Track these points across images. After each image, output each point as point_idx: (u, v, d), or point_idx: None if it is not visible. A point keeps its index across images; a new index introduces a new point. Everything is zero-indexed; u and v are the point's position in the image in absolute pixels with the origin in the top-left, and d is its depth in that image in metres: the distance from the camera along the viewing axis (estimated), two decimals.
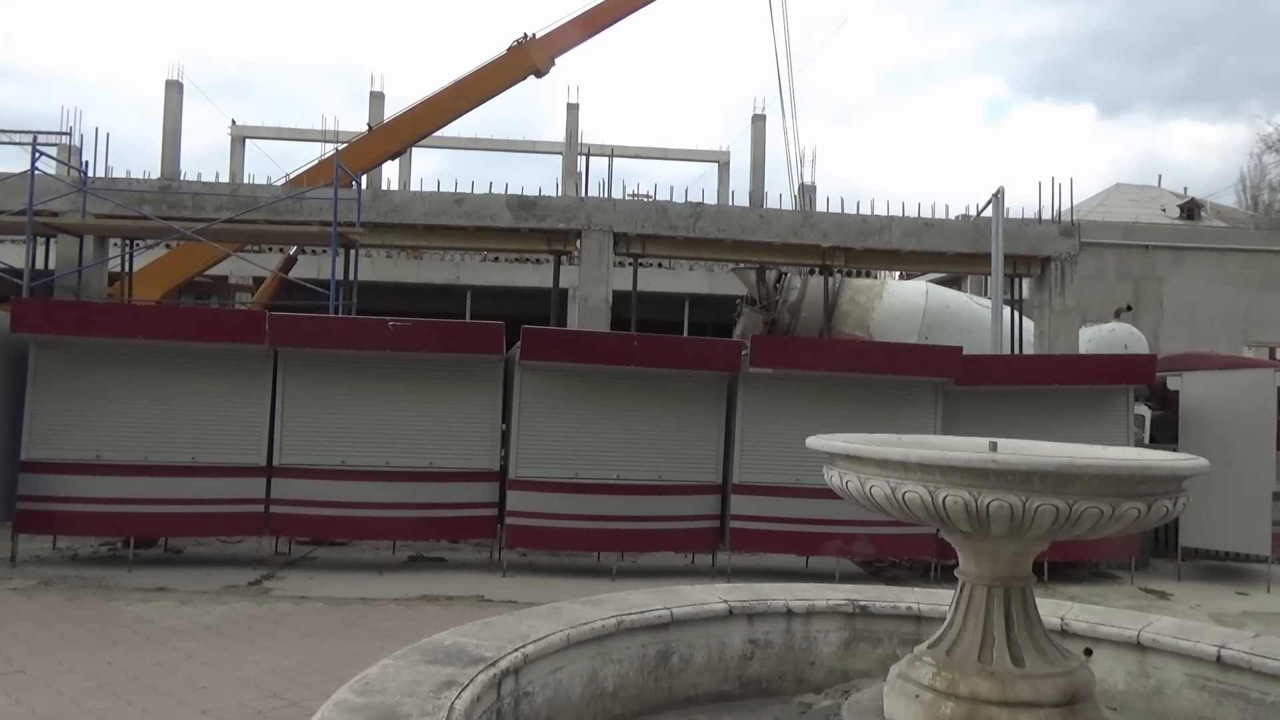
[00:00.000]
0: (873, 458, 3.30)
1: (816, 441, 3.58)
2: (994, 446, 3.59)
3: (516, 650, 4.01)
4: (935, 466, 3.09)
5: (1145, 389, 12.68)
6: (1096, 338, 14.99)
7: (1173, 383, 11.03)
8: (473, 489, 9.20)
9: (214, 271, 16.98)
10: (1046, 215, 14.17)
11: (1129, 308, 17.97)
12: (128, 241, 13.28)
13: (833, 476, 3.55)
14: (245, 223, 12.26)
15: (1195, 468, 3.11)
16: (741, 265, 16.15)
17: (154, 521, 8.84)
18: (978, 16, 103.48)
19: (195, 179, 13.94)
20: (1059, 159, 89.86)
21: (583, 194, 14.53)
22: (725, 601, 5.08)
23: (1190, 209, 30.07)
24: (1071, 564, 10.27)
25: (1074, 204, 14.40)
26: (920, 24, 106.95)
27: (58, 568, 8.68)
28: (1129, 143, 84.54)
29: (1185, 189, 33.26)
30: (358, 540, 9.97)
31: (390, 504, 9.04)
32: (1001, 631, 3.39)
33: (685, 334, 21.53)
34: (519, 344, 8.99)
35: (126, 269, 13.54)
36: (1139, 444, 11.11)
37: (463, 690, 3.48)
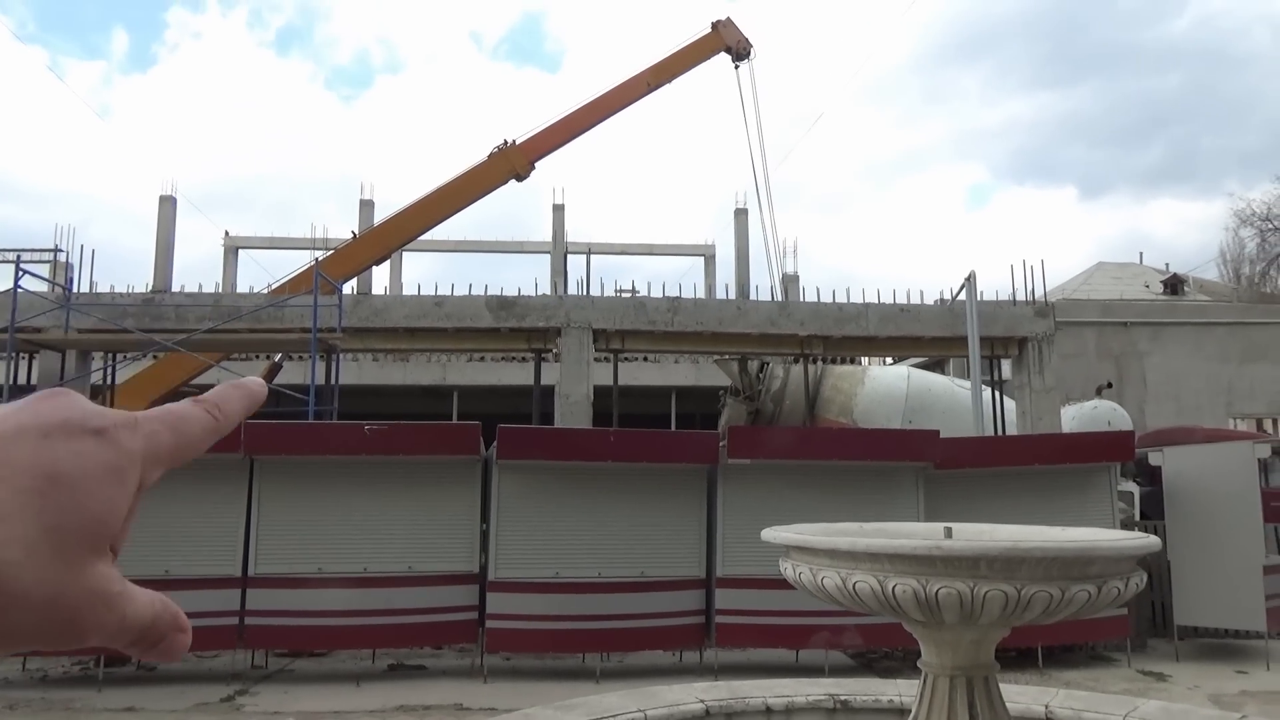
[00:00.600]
0: (823, 548, 3.29)
1: (770, 534, 3.57)
2: (949, 532, 3.58)
3: None
4: (883, 555, 3.07)
5: (1133, 466, 12.68)
6: (1080, 416, 15.04)
7: (1154, 458, 11.02)
8: (452, 592, 9.05)
9: (200, 381, 17.01)
10: (1022, 296, 14.38)
11: (1110, 385, 18.09)
12: (110, 355, 13.35)
13: (787, 568, 3.53)
14: (227, 332, 12.37)
15: (1144, 546, 3.10)
16: (723, 356, 16.27)
17: None
18: (953, 109, 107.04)
19: (192, 290, 14.13)
20: (1042, 241, 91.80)
21: (563, 292, 14.72)
22: (702, 701, 4.98)
23: (1173, 284, 30.59)
24: (1067, 648, 10.07)
25: (1057, 283, 14.73)
26: (898, 117, 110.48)
27: (25, 690, 8.45)
28: (1111, 222, 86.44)
29: (1167, 265, 33.89)
30: (337, 650, 9.74)
31: (368, 611, 8.87)
32: None
33: (673, 427, 21.53)
34: (496, 443, 8.98)
35: (109, 381, 13.58)
36: (1128, 521, 11.04)
37: None
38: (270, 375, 15.93)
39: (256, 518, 8.89)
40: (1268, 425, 21.95)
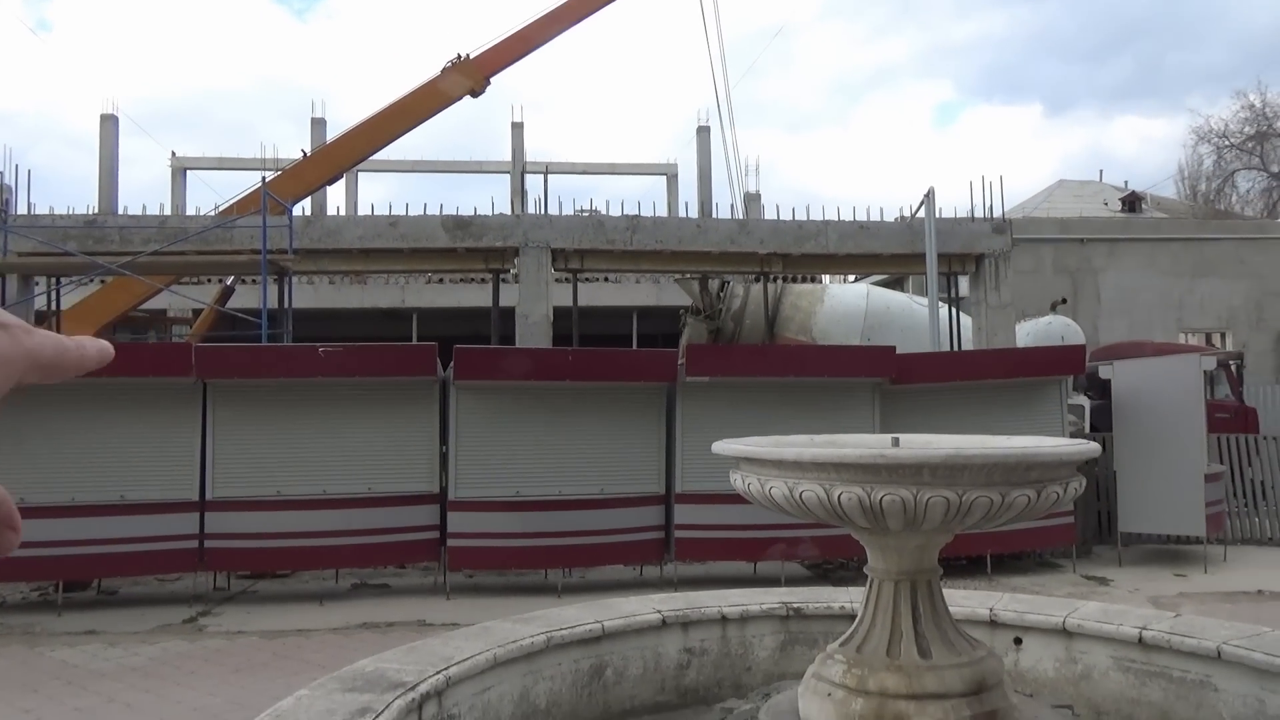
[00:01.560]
0: (771, 459, 3.31)
1: (720, 446, 3.58)
2: (896, 442, 3.62)
3: (439, 673, 3.95)
4: (829, 464, 3.10)
5: (1085, 379, 12.95)
6: (1034, 331, 15.27)
7: (1104, 372, 11.26)
8: (413, 513, 9.09)
9: (152, 305, 16.66)
10: (981, 214, 14.41)
11: (1064, 301, 18.35)
12: (54, 279, 12.98)
13: (737, 480, 3.55)
14: (175, 255, 12.05)
15: (1082, 452, 3.15)
16: (684, 275, 16.21)
17: (83, 563, 8.60)
18: (924, 21, 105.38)
19: (137, 212, 13.68)
20: (1007, 159, 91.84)
21: (521, 212, 14.48)
22: (659, 612, 5.05)
23: (1131, 202, 30.85)
24: (1016, 555, 10.40)
25: (1019, 201, 14.71)
26: (867, 32, 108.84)
27: None
28: (1076, 139, 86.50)
29: (1126, 182, 34.13)
30: (300, 571, 9.79)
31: (329, 532, 8.89)
32: (909, 625, 3.40)
33: (634, 346, 21.55)
34: (453, 364, 8.92)
35: (54, 306, 13.23)
36: (1078, 433, 11.31)
37: (377, 716, 3.42)
38: (222, 299, 15.62)
39: (212, 442, 8.81)
40: (1216, 339, 22.49)
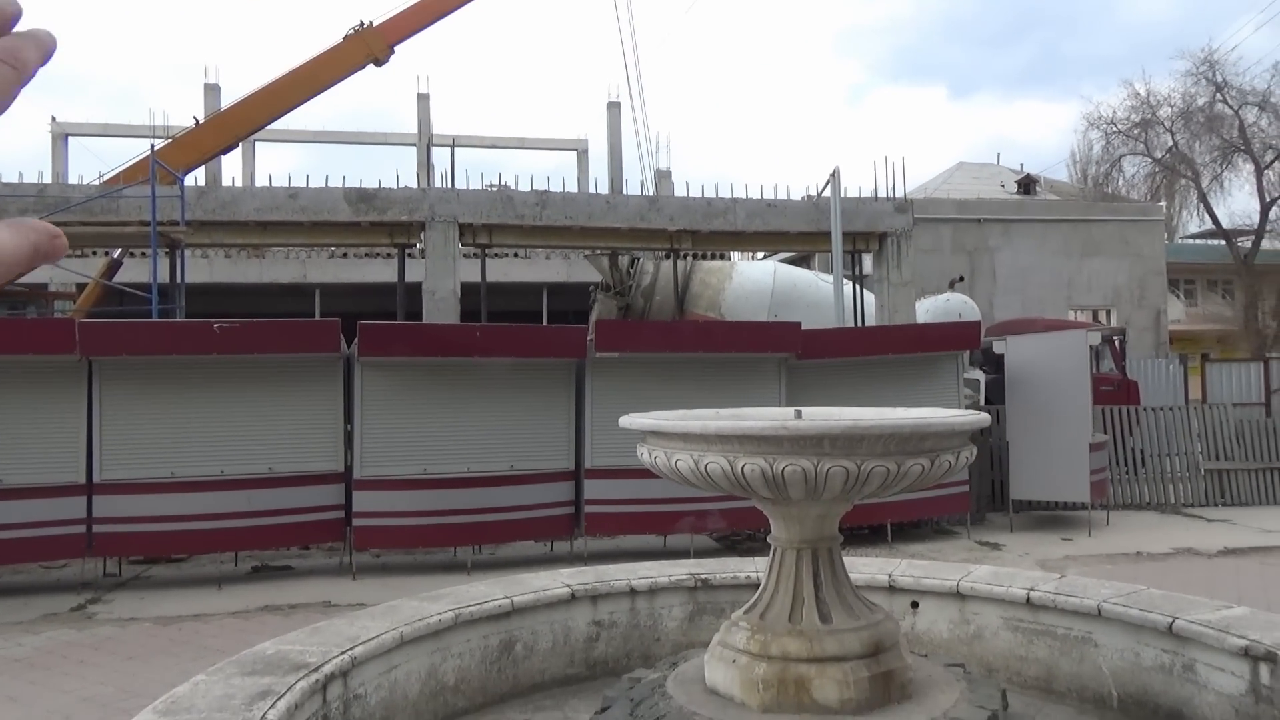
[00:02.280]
0: (677, 432, 3.34)
1: (627, 420, 3.59)
2: (799, 414, 3.70)
3: (344, 653, 3.89)
4: (733, 436, 3.14)
5: (980, 354, 13.44)
6: (933, 308, 15.76)
7: (997, 347, 11.70)
8: (317, 492, 8.88)
9: (31, 279, 15.75)
10: (885, 194, 14.75)
11: (962, 278, 18.97)
12: None
13: (644, 453, 3.57)
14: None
15: (973, 422, 3.27)
16: (594, 251, 16.17)
17: None
18: (838, 4, 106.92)
19: (12, 180, 12.86)
20: (912, 141, 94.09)
21: (427, 185, 14.18)
22: (568, 586, 5.07)
23: (1026, 184, 32.02)
24: (914, 523, 10.78)
25: (921, 182, 15.07)
26: (782, 10, 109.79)
27: None
28: (978, 123, 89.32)
29: (1021, 165, 35.41)
30: (196, 554, 9.47)
31: (228, 514, 8.61)
32: (810, 592, 3.49)
33: (545, 323, 21.42)
34: (357, 340, 8.71)
35: None
36: (973, 406, 11.75)
37: (278, 700, 3.34)
38: (108, 273, 14.88)
39: (99, 422, 8.41)
40: (1102, 316, 23.60)
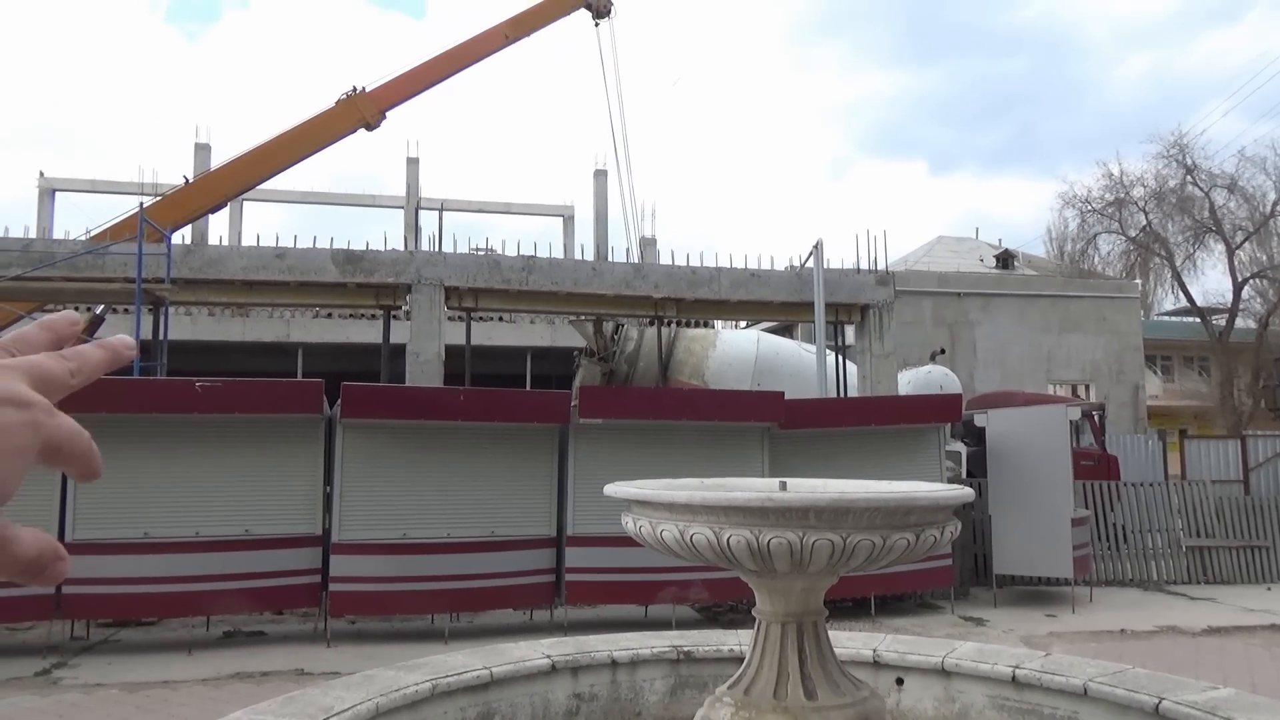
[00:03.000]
0: (662, 502, 3.33)
1: (612, 489, 3.58)
2: (784, 486, 3.69)
3: None
4: (719, 507, 3.14)
5: (962, 427, 13.50)
6: (915, 380, 15.87)
7: (979, 420, 11.77)
8: (293, 556, 8.73)
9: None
10: (866, 265, 14.96)
11: (943, 351, 19.16)
12: None
13: (629, 523, 3.56)
14: (39, 280, 11.37)
15: (958, 497, 3.28)
16: (579, 317, 16.24)
17: None
18: (818, 81, 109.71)
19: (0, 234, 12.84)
20: (893, 214, 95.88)
21: (415, 248, 14.27)
22: (548, 657, 4.98)
23: (1005, 259, 32.58)
24: (898, 597, 10.69)
25: (901, 255, 15.33)
26: (766, 84, 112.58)
27: None
28: (956, 198, 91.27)
29: (1000, 240, 36.08)
30: (167, 618, 9.24)
31: (201, 576, 8.44)
32: (795, 667, 3.45)
33: (529, 387, 21.39)
34: (339, 402, 8.67)
35: None
36: (955, 478, 11.77)
37: None
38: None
39: (72, 480, 8.26)
40: (1081, 391, 23.82)
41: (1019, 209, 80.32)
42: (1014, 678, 4.60)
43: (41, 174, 32.57)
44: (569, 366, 18.99)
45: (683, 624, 9.19)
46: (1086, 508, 12.24)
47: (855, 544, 3.03)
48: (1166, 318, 34.09)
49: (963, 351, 22.61)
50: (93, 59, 77.94)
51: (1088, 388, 23.82)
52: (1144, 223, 28.59)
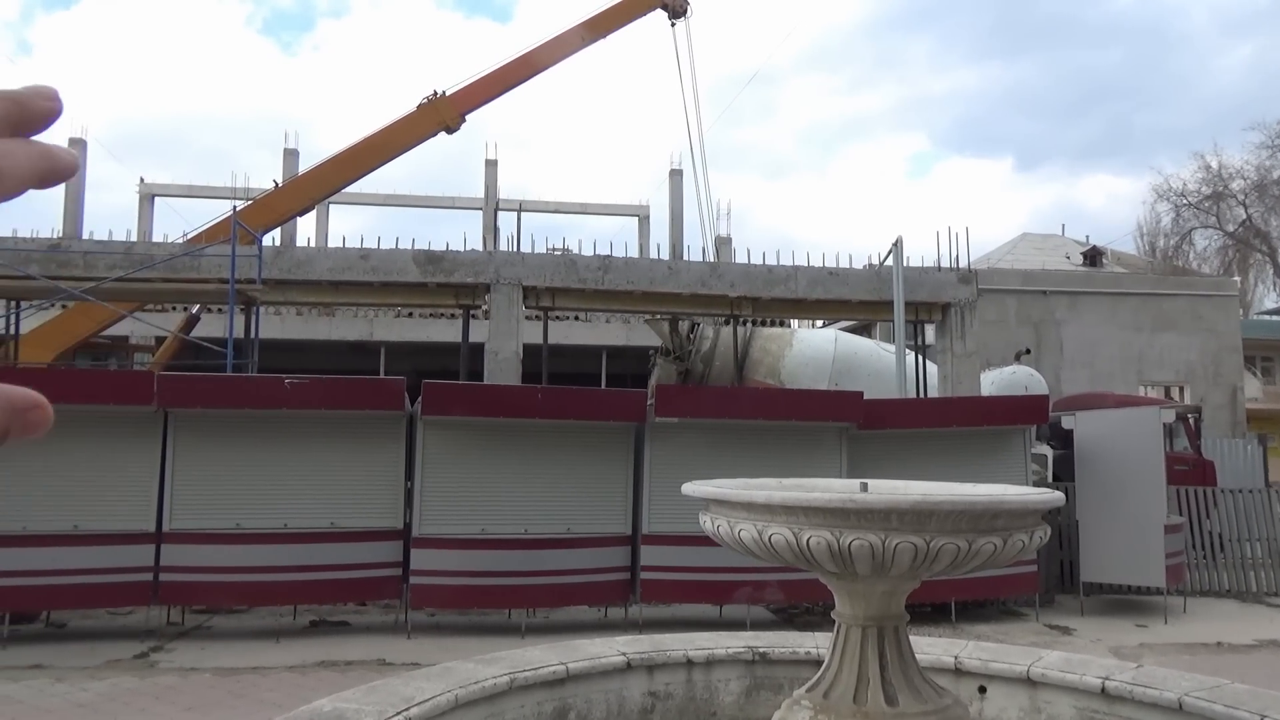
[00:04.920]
0: (740, 501, 3.31)
1: (690, 488, 3.58)
2: (864, 487, 3.64)
3: (399, 714, 3.88)
4: (798, 508, 3.11)
5: (1048, 429, 13.12)
6: (998, 380, 15.47)
7: (1067, 422, 11.41)
8: (376, 548, 8.95)
9: (114, 332, 16.41)
10: (948, 263, 14.65)
11: (1028, 351, 18.64)
12: (13, 302, 12.75)
13: (706, 522, 3.55)
14: (140, 281, 11.89)
15: (1047, 501, 3.19)
16: (655, 316, 16.28)
17: (33, 594, 8.34)
18: (901, 75, 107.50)
19: (105, 238, 13.51)
20: (976, 211, 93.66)
21: (493, 248, 14.50)
22: (623, 654, 5.00)
23: (1092, 256, 31.53)
24: (980, 603, 10.44)
25: (984, 253, 14.96)
26: (846, 83, 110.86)
27: None
28: (1044, 194, 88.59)
29: (1087, 237, 34.92)
30: (256, 606, 9.57)
31: (289, 567, 8.71)
32: (876, 672, 3.40)
33: (604, 386, 21.53)
34: (420, 399, 8.85)
35: (13, 330, 12.98)
36: (1040, 482, 11.43)
37: None
38: (187, 327, 15.42)
39: (171, 472, 8.63)
40: (1175, 393, 22.92)
41: (1109, 205, 77.52)
42: (1104, 689, 4.45)
43: (142, 180, 34.06)
44: (644, 365, 19.06)
45: (758, 625, 9.13)
46: (1180, 514, 11.76)
47: (939, 548, 2.97)
48: (1267, 316, 32.54)
49: (1049, 352, 21.95)
50: (193, 71, 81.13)
51: (1182, 389, 22.89)
52: (1243, 217, 27.37)
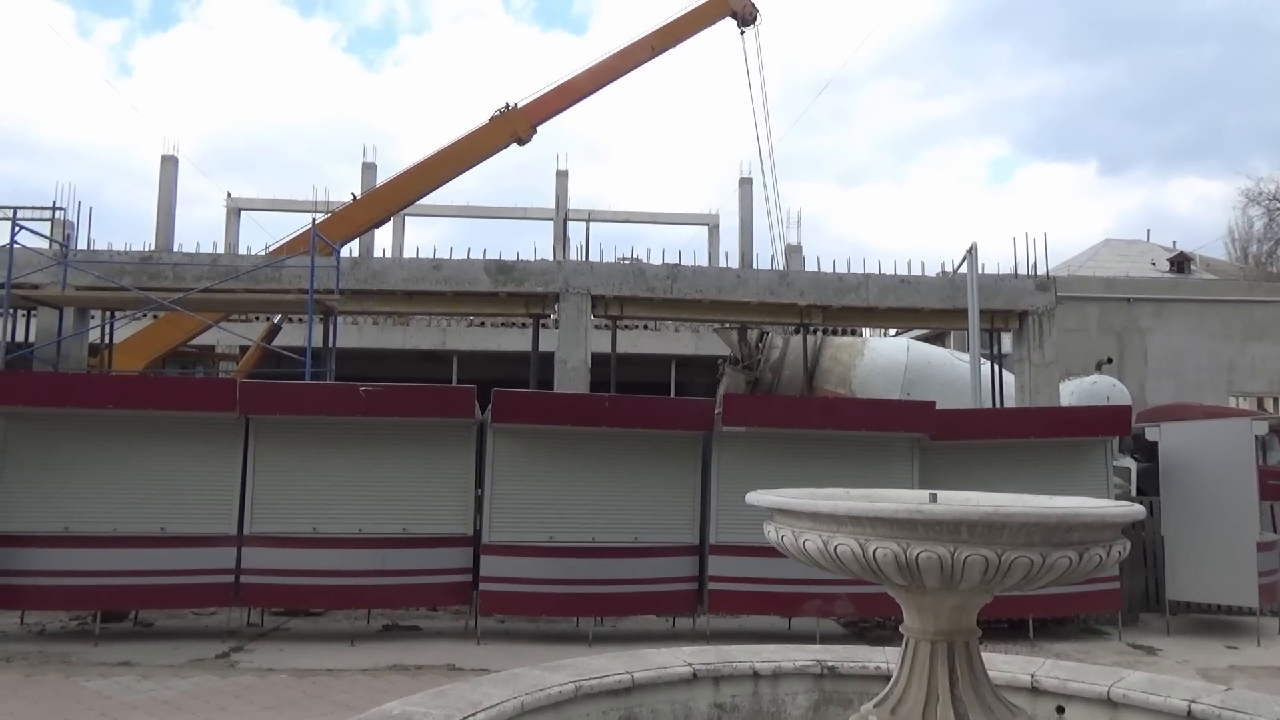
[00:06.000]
0: (805, 511, 3.27)
1: (754, 497, 3.55)
2: (934, 498, 3.56)
3: (465, 719, 3.92)
4: (864, 518, 3.06)
5: (1131, 441, 12.67)
6: (1079, 390, 15.02)
7: (1151, 434, 11.00)
8: (446, 555, 9.08)
9: (200, 341, 17.04)
10: (1025, 270, 14.29)
11: (1110, 360, 18.05)
12: (108, 313, 13.32)
13: (770, 532, 3.52)
14: (225, 292, 12.33)
15: (1126, 514, 3.08)
16: (724, 325, 16.23)
17: (122, 594, 8.70)
18: (981, 80, 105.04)
19: (192, 250, 14.06)
20: (1058, 217, 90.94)
21: (563, 258, 14.65)
22: (689, 665, 4.98)
23: (1179, 262, 30.39)
24: (1059, 620, 10.12)
25: (1063, 259, 14.57)
26: (924, 88, 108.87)
27: (22, 644, 8.51)
28: (1130, 199, 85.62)
29: (1174, 242, 33.62)
30: (332, 609, 9.81)
31: (363, 571, 8.91)
32: (945, 689, 3.32)
33: (672, 395, 21.52)
34: (490, 407, 8.97)
35: (107, 340, 13.58)
36: (1123, 496, 11.04)
37: None
38: (269, 336, 15.92)
39: (252, 477, 8.91)
40: (1268, 404, 21.93)
41: (1198, 209, 74.61)
42: (1189, 712, 4.26)
43: (229, 195, 35.34)
44: (713, 374, 19.00)
45: (827, 638, 9.00)
46: (1275, 531, 11.23)
47: (1011, 561, 2.89)
48: None
49: (1132, 361, 21.22)
50: (279, 89, 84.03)
51: (1275, 400, 21.88)
52: None
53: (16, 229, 11.52)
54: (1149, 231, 34.36)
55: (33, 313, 13.13)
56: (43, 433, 8.70)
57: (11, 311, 11.94)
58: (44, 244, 12.76)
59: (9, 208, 13.49)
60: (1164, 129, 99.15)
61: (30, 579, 8.51)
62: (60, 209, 14.74)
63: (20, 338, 13.05)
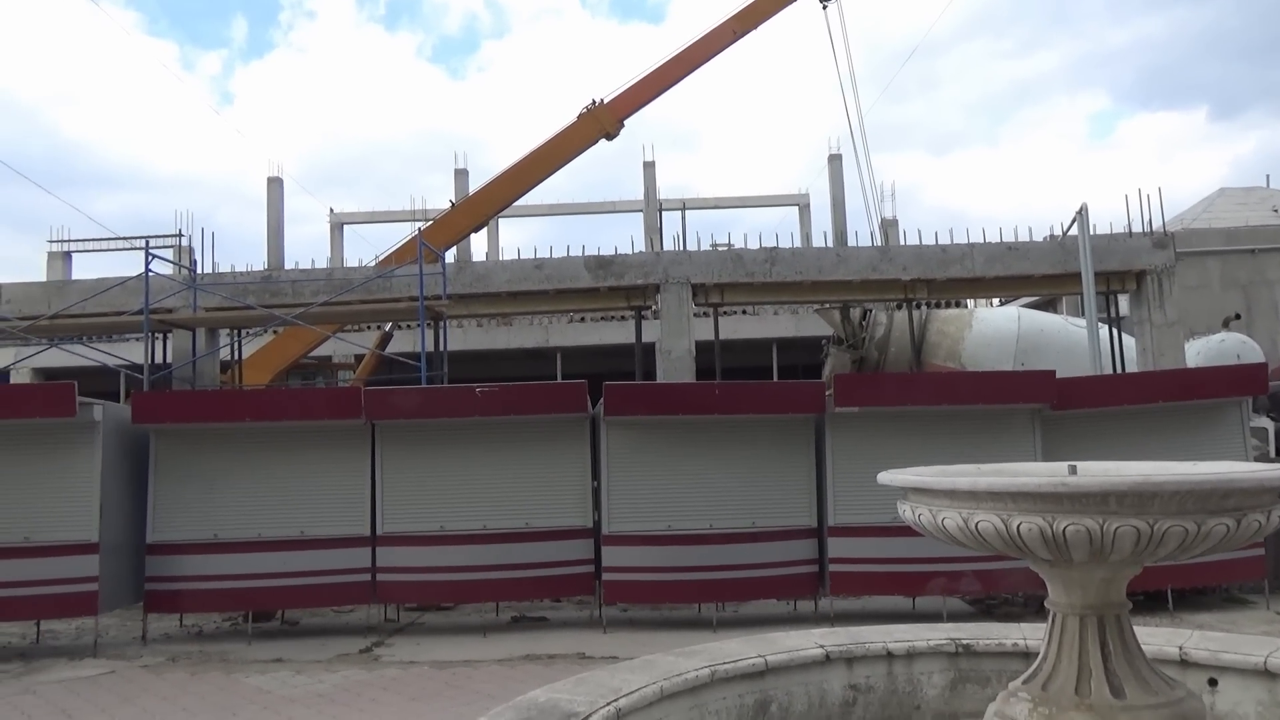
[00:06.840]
0: (942, 489, 3.27)
1: (887, 477, 3.56)
2: (1074, 470, 3.51)
3: (609, 704, 4.04)
4: (1006, 494, 3.04)
5: (1267, 400, 12.05)
6: (1205, 350, 14.35)
7: None
8: (568, 547, 9.32)
9: (318, 352, 17.81)
10: (1139, 227, 13.71)
11: (1238, 316, 17.16)
12: (235, 330, 14.06)
13: (905, 511, 3.52)
14: (340, 304, 12.87)
15: None
16: (824, 305, 16.07)
17: (269, 595, 9.22)
18: (1076, 30, 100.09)
19: (304, 265, 14.74)
20: (1167, 169, 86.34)
21: (658, 249, 14.75)
22: (821, 646, 5.00)
23: None
24: (1199, 590, 9.73)
25: (1174, 213, 13.91)
26: (1014, 46, 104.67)
27: (184, 644, 9.12)
28: (1245, 143, 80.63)
29: None
30: (462, 603, 10.17)
31: (489, 566, 9.21)
32: (1098, 662, 3.28)
33: (775, 378, 21.42)
34: (602, 400, 9.14)
35: (236, 356, 14.34)
36: (1262, 458, 10.53)
37: None
38: (382, 344, 16.53)
39: (381, 479, 9.31)
40: None
41: None
42: None
43: (331, 211, 36.68)
44: (815, 356, 18.83)
45: (954, 616, 8.86)
46: None
47: (1164, 530, 2.83)
48: None
49: (1262, 316, 20.09)
50: (372, 104, 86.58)
51: None
52: None
53: (150, 258, 12.25)
54: (1268, 177, 32.30)
55: (168, 335, 13.96)
56: (190, 447, 9.28)
57: (149, 334, 12.72)
58: (171, 270, 13.55)
59: (141, 237, 14.36)
60: (1277, 66, 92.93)
61: (186, 584, 9.11)
62: (183, 235, 15.60)
63: (158, 359, 13.88)
